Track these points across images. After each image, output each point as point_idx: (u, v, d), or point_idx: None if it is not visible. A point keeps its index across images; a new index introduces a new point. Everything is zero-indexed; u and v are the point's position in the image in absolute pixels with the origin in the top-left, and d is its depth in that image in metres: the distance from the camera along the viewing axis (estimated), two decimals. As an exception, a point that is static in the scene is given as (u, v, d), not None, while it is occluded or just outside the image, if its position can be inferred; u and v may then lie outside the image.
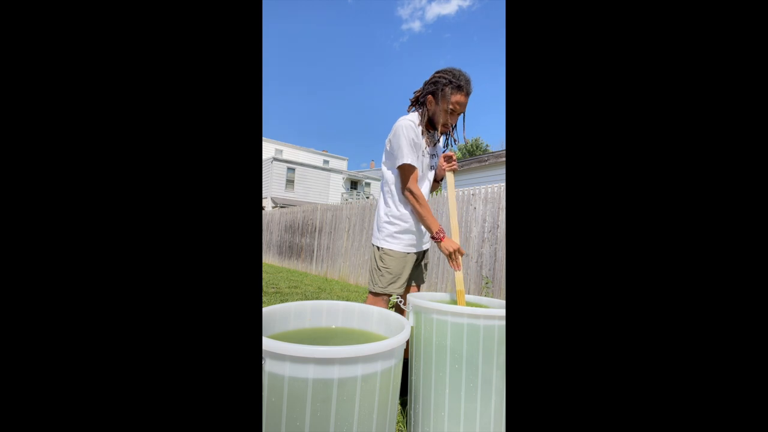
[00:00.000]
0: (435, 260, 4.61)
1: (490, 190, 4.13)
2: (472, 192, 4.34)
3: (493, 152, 7.85)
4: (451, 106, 1.33)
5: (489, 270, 3.93)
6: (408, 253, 1.42)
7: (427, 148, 1.42)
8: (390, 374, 0.70)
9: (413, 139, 1.34)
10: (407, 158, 1.33)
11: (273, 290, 4.22)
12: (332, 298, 3.81)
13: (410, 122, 1.35)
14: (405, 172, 1.36)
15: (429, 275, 4.64)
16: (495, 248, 3.93)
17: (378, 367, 0.67)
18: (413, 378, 1.09)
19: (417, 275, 1.55)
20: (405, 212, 1.42)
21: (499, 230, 3.92)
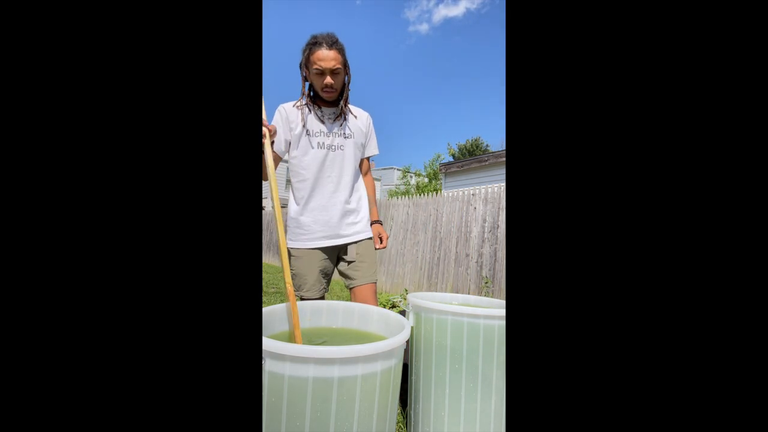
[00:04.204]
0: (435, 260, 4.61)
1: (490, 190, 4.13)
2: (472, 192, 4.34)
3: (493, 152, 7.85)
4: (315, 66, 1.21)
5: (489, 270, 3.93)
6: (312, 248, 1.30)
7: (308, 125, 1.29)
8: (390, 374, 0.70)
9: (276, 122, 1.28)
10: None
11: (273, 290, 4.22)
12: (332, 298, 3.81)
13: (280, 107, 1.30)
14: None
15: (429, 275, 4.63)
16: (495, 248, 3.93)
17: (378, 367, 0.67)
18: (413, 378, 1.09)
19: (344, 274, 1.37)
20: (293, 203, 1.32)
21: (499, 230, 3.92)
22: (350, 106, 1.36)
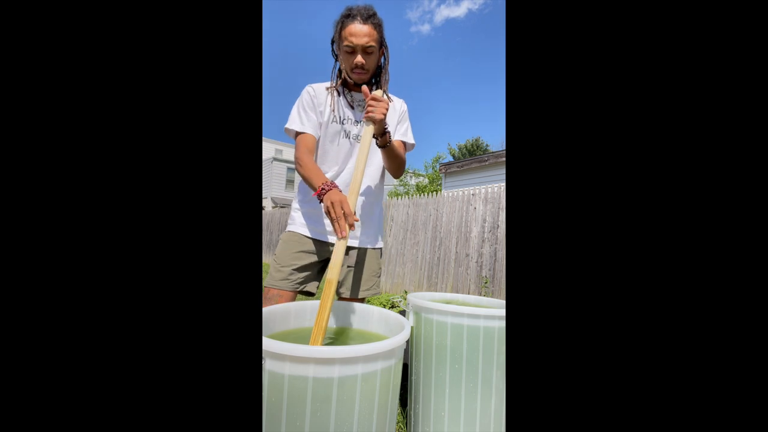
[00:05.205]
0: (435, 260, 4.61)
1: (490, 190, 4.13)
2: (472, 192, 4.34)
3: (493, 152, 7.86)
4: (346, 43, 1.03)
5: (489, 270, 3.94)
6: (304, 235, 1.14)
7: (338, 111, 1.13)
8: (390, 374, 0.70)
9: (306, 103, 1.12)
10: (291, 122, 1.12)
11: (273, 290, 4.20)
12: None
13: (308, 88, 1.15)
14: (295, 141, 1.12)
15: (429, 275, 4.63)
16: (495, 248, 3.93)
17: (378, 366, 0.67)
18: (413, 378, 1.09)
19: (346, 278, 1.18)
20: (303, 191, 1.19)
21: (499, 230, 3.93)
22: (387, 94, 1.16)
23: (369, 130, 0.98)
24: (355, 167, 0.96)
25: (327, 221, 1.15)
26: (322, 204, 0.93)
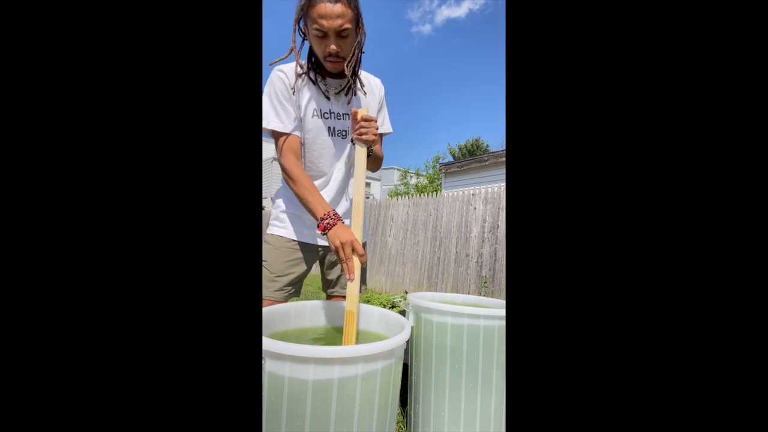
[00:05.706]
0: (435, 259, 4.61)
1: (490, 190, 4.14)
2: (472, 192, 4.34)
3: (493, 152, 7.86)
4: (315, 27, 0.86)
5: (489, 270, 3.94)
6: (297, 241, 1.05)
7: (316, 102, 0.99)
8: (390, 374, 0.70)
9: (282, 93, 0.96)
10: (267, 120, 0.96)
11: (273, 290, 4.20)
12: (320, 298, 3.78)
13: (279, 72, 0.97)
14: (276, 141, 0.99)
15: (429, 275, 4.63)
16: (495, 248, 3.93)
17: (378, 366, 0.67)
18: (413, 378, 1.09)
19: (325, 278, 1.16)
20: (286, 193, 1.09)
21: (499, 230, 3.93)
22: (361, 73, 1.04)
23: (362, 151, 0.92)
24: (354, 192, 0.91)
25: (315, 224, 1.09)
26: (327, 237, 0.89)
